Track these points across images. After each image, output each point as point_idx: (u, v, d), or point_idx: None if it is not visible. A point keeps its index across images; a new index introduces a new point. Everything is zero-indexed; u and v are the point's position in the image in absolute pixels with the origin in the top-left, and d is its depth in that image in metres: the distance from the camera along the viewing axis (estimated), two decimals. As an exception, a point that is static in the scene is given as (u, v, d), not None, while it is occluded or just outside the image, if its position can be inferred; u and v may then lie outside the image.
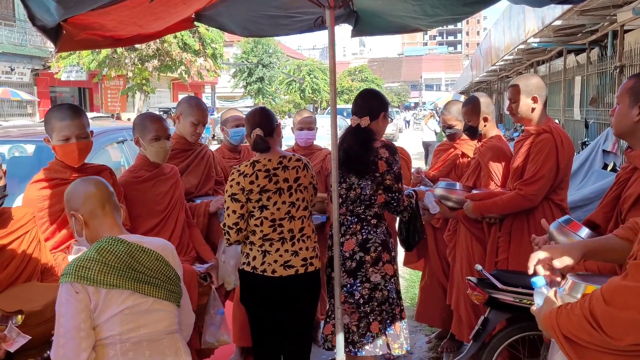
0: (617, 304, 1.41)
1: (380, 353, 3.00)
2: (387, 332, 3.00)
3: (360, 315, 2.97)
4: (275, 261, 2.85)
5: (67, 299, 1.85)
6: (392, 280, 3.04)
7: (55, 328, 1.89)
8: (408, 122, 42.95)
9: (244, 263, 2.93)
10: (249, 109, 3.37)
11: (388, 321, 3.00)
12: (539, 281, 1.72)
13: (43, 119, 2.72)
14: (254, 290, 2.91)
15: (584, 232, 2.45)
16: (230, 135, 3.94)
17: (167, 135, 3.03)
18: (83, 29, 2.98)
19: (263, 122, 2.91)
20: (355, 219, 3.02)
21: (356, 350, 2.97)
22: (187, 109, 3.42)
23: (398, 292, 3.08)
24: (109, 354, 1.88)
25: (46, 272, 2.44)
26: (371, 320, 2.97)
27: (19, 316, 2.09)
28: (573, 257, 1.76)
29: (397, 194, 3.03)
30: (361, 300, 2.97)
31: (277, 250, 2.86)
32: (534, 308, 1.73)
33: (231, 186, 2.86)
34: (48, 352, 2.14)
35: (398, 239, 3.30)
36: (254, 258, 2.87)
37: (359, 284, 2.97)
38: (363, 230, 3.01)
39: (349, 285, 2.98)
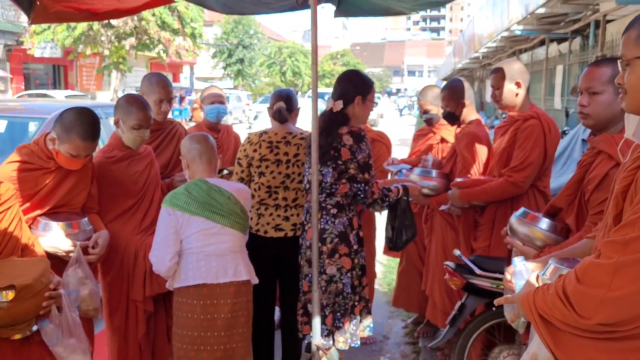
0: (587, 281, 1.41)
1: (331, 344, 2.95)
2: (335, 325, 2.95)
3: None
4: (268, 223, 3.18)
5: (162, 218, 2.60)
6: (349, 274, 2.94)
7: (154, 237, 2.62)
8: (401, 110, 37.97)
9: None
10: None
11: (339, 314, 2.94)
12: (519, 261, 1.80)
13: (56, 119, 2.59)
14: (249, 246, 3.01)
15: (543, 223, 2.46)
16: (206, 112, 3.90)
17: (149, 125, 2.96)
18: (58, 1, 2.86)
19: (288, 99, 3.25)
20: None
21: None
22: (149, 87, 3.30)
23: (354, 287, 2.97)
24: (188, 259, 2.61)
25: (26, 248, 2.37)
26: (327, 313, 2.92)
27: (11, 291, 2.03)
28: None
29: (362, 184, 2.88)
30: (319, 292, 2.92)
31: (271, 214, 3.18)
32: (508, 296, 1.74)
33: (240, 151, 3.24)
34: (35, 326, 2.18)
35: (385, 238, 3.17)
36: (251, 219, 3.16)
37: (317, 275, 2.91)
38: (322, 220, 2.92)
39: (310, 275, 2.94)
